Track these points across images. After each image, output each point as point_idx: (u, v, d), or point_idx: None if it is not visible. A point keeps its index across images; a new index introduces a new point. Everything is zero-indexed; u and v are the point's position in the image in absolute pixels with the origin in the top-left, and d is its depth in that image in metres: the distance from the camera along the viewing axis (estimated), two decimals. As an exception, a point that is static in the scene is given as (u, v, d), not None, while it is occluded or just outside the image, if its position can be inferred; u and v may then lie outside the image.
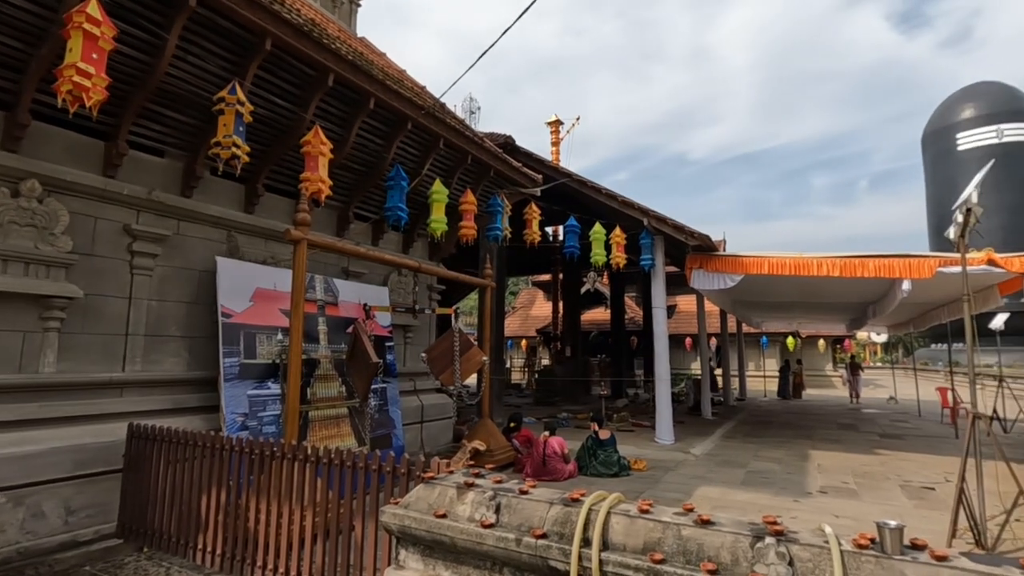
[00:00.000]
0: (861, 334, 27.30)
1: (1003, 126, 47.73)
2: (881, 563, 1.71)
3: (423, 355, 7.16)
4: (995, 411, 12.31)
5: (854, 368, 19.84)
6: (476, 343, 7.67)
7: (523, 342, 30.01)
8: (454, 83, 6.06)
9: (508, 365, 25.95)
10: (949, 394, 13.37)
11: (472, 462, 7.19)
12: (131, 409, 4.96)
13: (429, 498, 2.53)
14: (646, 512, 2.13)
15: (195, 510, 4.06)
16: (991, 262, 7.69)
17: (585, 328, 24.47)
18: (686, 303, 23.84)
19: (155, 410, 5.11)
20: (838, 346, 28.85)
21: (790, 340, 24.43)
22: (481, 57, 5.76)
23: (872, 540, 1.80)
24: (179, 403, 5.36)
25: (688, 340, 24.15)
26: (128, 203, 5.10)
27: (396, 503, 2.61)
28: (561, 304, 20.11)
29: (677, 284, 12.82)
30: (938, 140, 51.64)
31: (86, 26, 3.50)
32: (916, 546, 1.78)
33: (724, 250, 19.65)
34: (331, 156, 5.53)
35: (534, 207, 9.51)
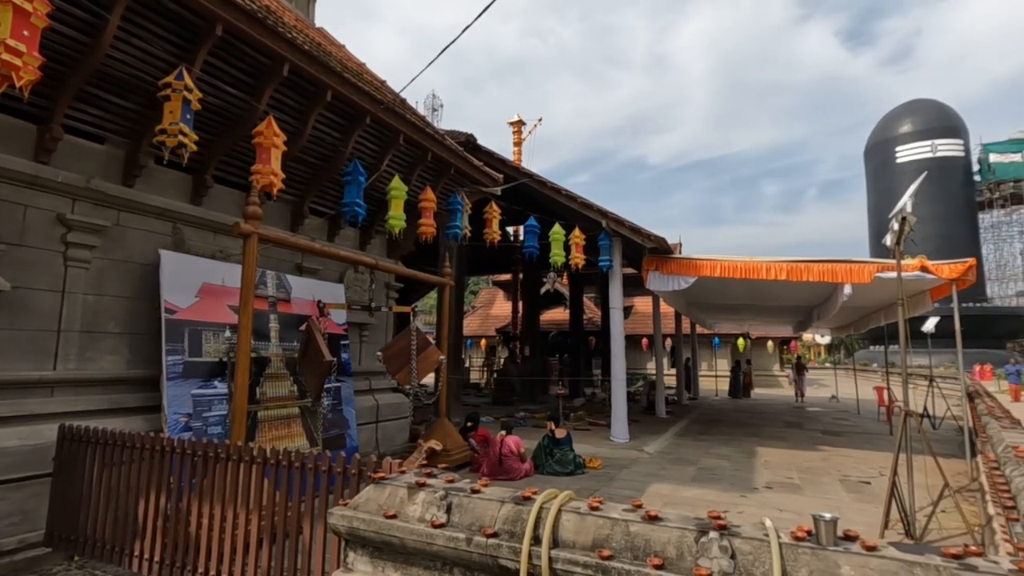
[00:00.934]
0: (807, 336, 28.55)
1: (937, 141, 50.95)
2: (816, 554, 1.79)
3: (379, 354, 7.05)
4: (925, 409, 13.10)
5: (799, 368, 20.72)
6: (434, 342, 7.59)
7: (482, 341, 29.97)
8: (414, 78, 5.96)
9: (467, 365, 25.87)
10: (885, 393, 14.14)
11: (425, 462, 7.13)
12: (63, 410, 4.67)
13: (379, 499, 2.48)
14: (596, 509, 2.15)
15: (132, 515, 3.86)
16: (924, 269, 8.16)
17: (544, 328, 24.64)
18: (643, 304, 24.32)
19: (91, 411, 4.84)
20: (785, 347, 30.04)
21: (740, 341, 25.27)
22: (441, 53, 5.71)
23: (809, 532, 1.87)
24: (117, 403, 5.09)
25: (644, 340, 24.64)
26: (63, 191, 4.80)
27: (345, 504, 2.55)
28: (521, 304, 20.18)
29: (634, 285, 13.07)
30: (879, 153, 54.63)
31: (16, 0, 3.28)
32: (849, 537, 1.86)
33: (680, 253, 20.24)
34: (285, 148, 5.36)
35: (494, 206, 9.50)
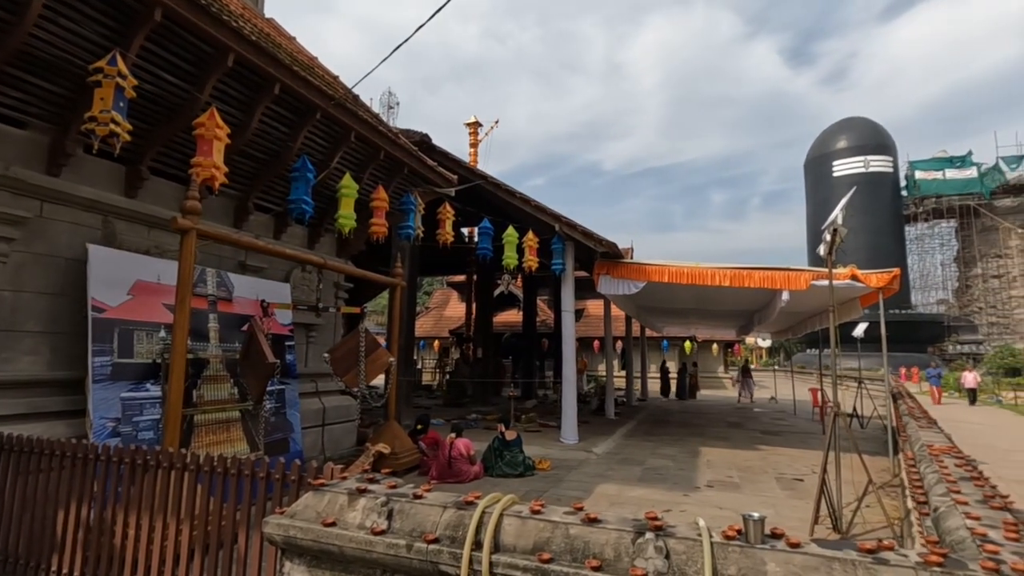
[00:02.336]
0: (749, 339, 29.78)
1: (869, 157, 54.26)
2: (745, 552, 1.86)
3: (326, 355, 6.87)
4: (855, 409, 13.89)
5: (745, 371, 21.63)
6: (384, 344, 7.47)
7: (435, 343, 29.71)
8: (367, 74, 5.85)
9: (419, 366, 25.58)
10: (819, 394, 14.92)
11: (367, 467, 7.00)
12: (-27, 415, 4.32)
13: (318, 506, 2.42)
14: (537, 513, 2.17)
15: (50, 528, 3.61)
16: (854, 277, 8.66)
17: (498, 330, 24.67)
18: (595, 307, 24.74)
19: (7, 415, 4.49)
20: (729, 350, 31.22)
21: (687, 344, 26.08)
22: (396, 50, 5.62)
23: (738, 532, 1.95)
24: (37, 407, 4.74)
25: (596, 343, 25.06)
26: (-23, 178, 4.45)
27: (281, 512, 2.47)
28: (474, 305, 20.13)
29: (586, 288, 13.27)
30: (817, 166, 57.67)
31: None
32: (775, 535, 1.95)
33: (632, 258, 20.71)
34: (228, 141, 5.15)
35: (448, 207, 9.46)
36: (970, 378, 22.70)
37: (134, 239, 5.65)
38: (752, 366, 31.18)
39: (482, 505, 2.19)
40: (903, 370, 37.33)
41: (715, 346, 29.11)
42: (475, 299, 19.73)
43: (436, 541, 2.14)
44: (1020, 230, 51.73)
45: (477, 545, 2.07)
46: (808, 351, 47.06)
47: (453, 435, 7.38)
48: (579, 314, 22.06)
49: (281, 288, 7.29)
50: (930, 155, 55.54)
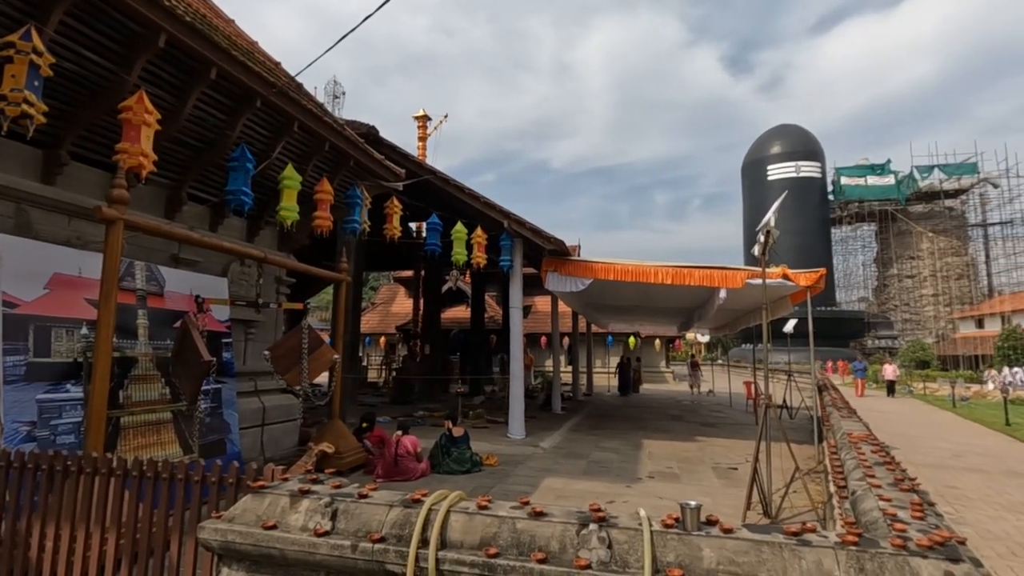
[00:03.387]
0: (689, 335, 30.98)
1: (800, 163, 57.47)
2: (682, 539, 1.95)
3: (266, 353, 6.63)
4: (785, 401, 14.72)
5: (694, 365, 22.57)
6: (330, 340, 7.28)
7: (382, 339, 29.19)
8: (311, 63, 5.65)
9: (365, 363, 25.07)
10: (752, 387, 15.72)
11: (310, 467, 6.84)
12: None
13: (258, 509, 2.34)
14: (484, 508, 2.19)
15: (-47, 543, 3.31)
16: (785, 276, 9.16)
17: (447, 326, 24.51)
18: (543, 303, 25.00)
19: (-102, 421, 4.08)
20: (671, 345, 32.34)
21: (631, 340, 26.83)
22: (342, 39, 5.46)
23: (676, 520, 2.04)
24: (-64, 412, 4.33)
25: (544, 339, 25.34)
26: None
27: (218, 517, 2.37)
28: (422, 301, 19.92)
29: (535, 285, 13.39)
30: (753, 170, 60.54)
31: None
32: (711, 522, 2.05)
33: (579, 255, 21.06)
34: (158, 127, 4.86)
35: (396, 201, 9.29)
36: (889, 371, 24.48)
37: (52, 229, 5.24)
38: (692, 359, 32.47)
39: (429, 502, 2.19)
40: (830, 363, 39.88)
41: (658, 342, 30.08)
42: (423, 295, 19.53)
43: (382, 540, 2.12)
44: (931, 234, 56.24)
45: (424, 543, 2.07)
46: (743, 346, 49.46)
47: (399, 433, 7.30)
48: (527, 310, 22.21)
49: (218, 283, 6.96)
50: (854, 162, 59.43)
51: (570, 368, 21.13)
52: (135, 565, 2.98)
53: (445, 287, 27.05)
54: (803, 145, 58.42)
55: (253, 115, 6.42)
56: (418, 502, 2.23)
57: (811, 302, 8.67)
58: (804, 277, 9.23)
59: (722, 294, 9.62)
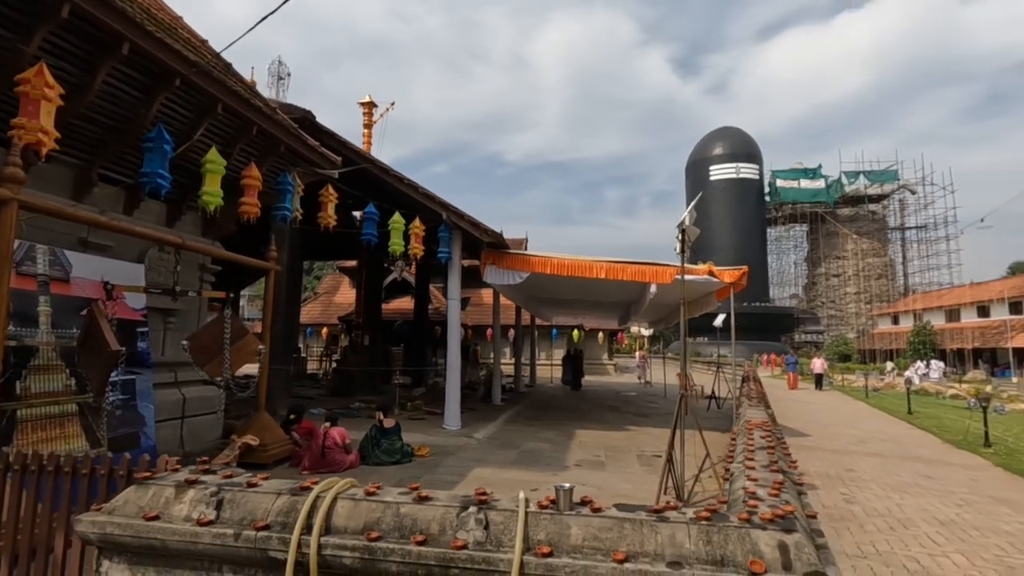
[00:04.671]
0: (634, 329, 31.92)
1: (740, 164, 59.98)
2: (554, 519, 2.07)
3: (184, 343, 6.39)
4: (713, 391, 15.44)
5: (643, 358, 23.34)
6: (258, 331, 7.09)
7: (324, 330, 28.54)
8: (238, 39, 5.45)
9: (304, 354, 24.46)
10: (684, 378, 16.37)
11: (233, 460, 6.68)
12: None
13: (140, 500, 2.30)
14: (372, 495, 2.24)
15: None
16: (711, 273, 9.61)
17: (392, 317, 24.22)
18: (489, 295, 25.11)
19: None
20: (614, 339, 33.19)
21: (575, 332, 27.36)
22: (275, 11, 5.28)
23: (552, 502, 2.16)
24: None
25: (489, 331, 25.47)
26: None
27: (98, 509, 2.32)
28: (364, 291, 19.60)
29: (478, 277, 13.45)
30: (696, 170, 62.70)
31: None
32: (584, 502, 2.18)
33: (527, 248, 21.26)
34: (61, 103, 4.57)
35: (331, 189, 9.10)
36: (818, 364, 25.87)
37: (-62, 208, 4.85)
38: (639, 353, 33.51)
39: (317, 490, 2.22)
40: (765, 357, 42.01)
41: (601, 335, 30.81)
42: (365, 285, 19.21)
43: (266, 528, 2.13)
44: (855, 236, 60.04)
45: (308, 529, 2.10)
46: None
47: (327, 424, 7.22)
48: (465, 302, 22.29)
49: (133, 269, 6.63)
50: (789, 166, 62.60)
51: (513, 360, 21.34)
52: (15, 567, 2.85)
53: (390, 278, 26.71)
54: (743, 147, 61.00)
55: (172, 94, 6.14)
56: (307, 489, 2.25)
57: (740, 298, 9.15)
58: (728, 274, 9.71)
59: (652, 289, 9.99)
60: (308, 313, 30.14)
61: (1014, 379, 28.83)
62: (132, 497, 2.31)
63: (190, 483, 2.33)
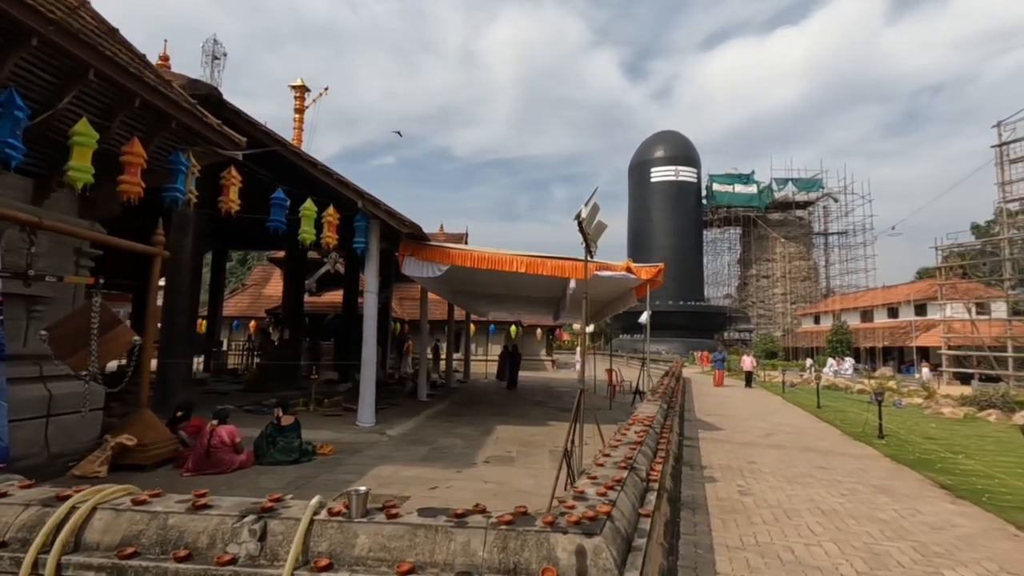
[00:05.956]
0: (576, 325, 32.26)
1: (679, 168, 61.82)
2: (341, 527, 1.86)
3: (43, 333, 5.77)
4: (637, 386, 15.71)
5: (583, 353, 23.47)
6: (128, 321, 6.50)
7: (252, 323, 27.23)
8: None
9: (225, 348, 23.25)
10: (612, 374, 16.64)
11: (107, 461, 6.14)
12: None
13: None
14: (143, 503, 1.96)
15: None
16: (628, 269, 9.69)
17: (323, 310, 23.41)
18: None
19: None
20: (552, 335, 33.46)
21: (513, 328, 27.37)
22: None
23: (346, 507, 1.95)
24: None
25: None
26: None
27: None
28: (289, 283, 18.76)
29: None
30: (638, 171, 64.20)
31: None
32: (384, 508, 1.98)
33: (466, 243, 20.98)
34: None
35: (235, 172, 8.53)
36: (747, 361, 26.76)
37: None
38: (579, 349, 33.93)
39: (73, 499, 1.92)
40: (699, 354, 43.50)
41: (539, 331, 30.96)
42: (289, 276, 18.40)
43: (3, 546, 1.81)
44: (783, 240, 63.22)
45: (50, 547, 1.79)
46: (622, 336, 52.58)
47: (215, 422, 6.74)
48: (388, 295, 21.78)
49: (-17, 250, 5.92)
50: (725, 171, 65.08)
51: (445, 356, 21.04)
52: None
53: (323, 270, 25.80)
54: (682, 151, 62.93)
55: (29, 55, 5.49)
56: (62, 499, 1.95)
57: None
58: (645, 271, 9.83)
59: (572, 284, 9.97)
60: (235, 305, 28.72)
61: (916, 375, 31.12)
62: None
63: (-80, 494, 1.97)
